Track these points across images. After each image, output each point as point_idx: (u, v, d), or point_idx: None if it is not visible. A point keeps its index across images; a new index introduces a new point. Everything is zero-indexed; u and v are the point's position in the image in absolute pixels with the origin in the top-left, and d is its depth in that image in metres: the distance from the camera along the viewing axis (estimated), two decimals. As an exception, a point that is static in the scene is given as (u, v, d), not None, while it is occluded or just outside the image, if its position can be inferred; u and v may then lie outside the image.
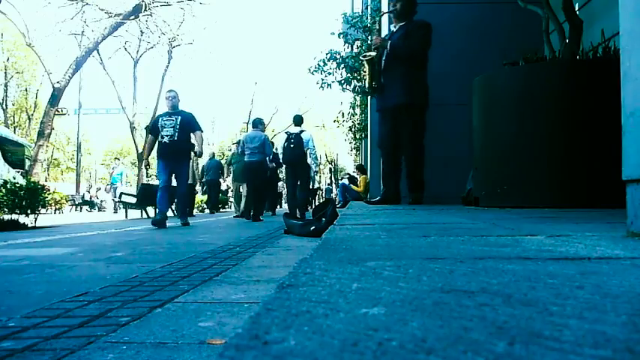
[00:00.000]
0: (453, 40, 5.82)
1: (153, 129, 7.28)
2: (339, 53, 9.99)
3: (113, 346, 1.20)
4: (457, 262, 0.83)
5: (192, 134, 7.16)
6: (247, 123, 36.31)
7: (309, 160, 8.42)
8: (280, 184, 15.14)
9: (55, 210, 15.51)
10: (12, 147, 15.85)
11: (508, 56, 3.97)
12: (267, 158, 8.52)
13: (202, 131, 7.25)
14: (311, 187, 9.49)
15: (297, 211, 8.39)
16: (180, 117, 7.00)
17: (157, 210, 7.06)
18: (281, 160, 8.50)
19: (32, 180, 8.60)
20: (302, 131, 8.25)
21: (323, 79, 10.06)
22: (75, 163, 24.48)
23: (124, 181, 18.86)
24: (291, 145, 8.01)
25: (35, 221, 7.35)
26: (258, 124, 8.75)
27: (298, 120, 8.57)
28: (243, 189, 10.33)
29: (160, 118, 7.14)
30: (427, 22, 4.64)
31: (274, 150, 9.57)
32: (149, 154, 7.57)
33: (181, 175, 7.11)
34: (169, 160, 6.94)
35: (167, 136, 6.94)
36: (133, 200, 12.05)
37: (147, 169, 6.57)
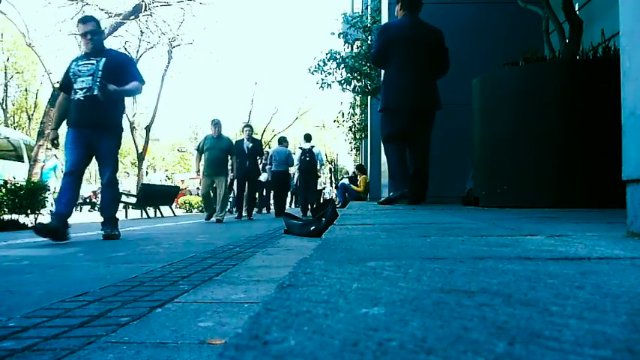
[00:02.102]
0: (453, 40, 5.80)
1: (63, 82, 4.58)
2: (339, 53, 9.99)
3: (113, 346, 1.20)
4: (457, 262, 0.83)
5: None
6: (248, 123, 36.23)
7: (318, 169, 10.89)
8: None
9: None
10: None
11: (508, 56, 3.97)
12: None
13: (144, 83, 4.64)
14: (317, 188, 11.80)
15: (307, 210, 9.86)
16: (104, 60, 4.38)
17: (54, 210, 4.51)
18: (297, 169, 10.65)
19: (32, 180, 8.61)
20: (312, 147, 10.60)
21: (323, 79, 10.07)
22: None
23: (58, 176, 14.58)
24: (307, 159, 10.36)
25: (35, 221, 7.35)
26: (283, 141, 10.98)
27: (309, 138, 10.85)
28: (220, 186, 8.56)
29: (74, 64, 4.48)
30: (382, 25, 4.74)
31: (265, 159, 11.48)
32: (58, 124, 4.71)
33: (106, 156, 4.45)
34: (85, 130, 4.36)
35: (82, 89, 4.33)
36: (133, 200, 12.08)
37: (53, 146, 3.99)
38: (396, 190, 4.32)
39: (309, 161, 10.40)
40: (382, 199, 4.72)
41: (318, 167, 10.83)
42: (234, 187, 10.40)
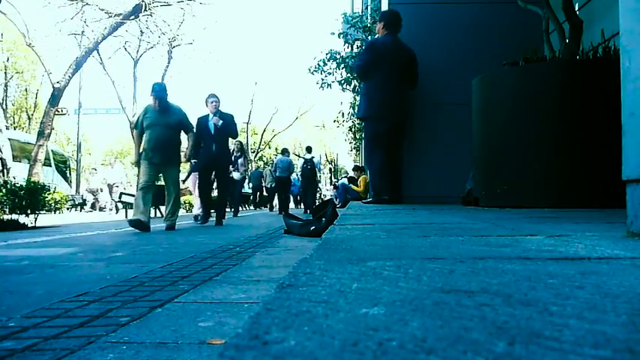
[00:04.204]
0: (453, 40, 5.81)
1: None
2: (339, 53, 9.97)
3: (113, 346, 1.20)
4: (457, 262, 0.83)
5: None
6: (247, 123, 36.26)
7: (317, 176, 14.34)
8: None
9: (55, 210, 15.52)
10: (59, 159, 19.69)
11: (508, 56, 3.96)
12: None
13: None
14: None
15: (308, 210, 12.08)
16: None
17: None
18: (299, 175, 13.97)
19: (32, 180, 8.60)
20: (313, 157, 13.77)
21: (323, 79, 10.05)
22: (75, 163, 24.46)
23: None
24: (308, 167, 13.40)
25: (35, 221, 7.34)
26: (286, 151, 13.89)
27: (310, 150, 14.16)
28: (170, 181, 6.15)
29: None
30: (369, 42, 5.25)
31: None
32: None
33: None
34: None
35: None
36: (133, 200, 12.05)
37: None
38: (378, 195, 4.73)
39: (310, 169, 13.50)
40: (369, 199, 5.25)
41: (317, 174, 13.99)
42: (190, 180, 7.75)
